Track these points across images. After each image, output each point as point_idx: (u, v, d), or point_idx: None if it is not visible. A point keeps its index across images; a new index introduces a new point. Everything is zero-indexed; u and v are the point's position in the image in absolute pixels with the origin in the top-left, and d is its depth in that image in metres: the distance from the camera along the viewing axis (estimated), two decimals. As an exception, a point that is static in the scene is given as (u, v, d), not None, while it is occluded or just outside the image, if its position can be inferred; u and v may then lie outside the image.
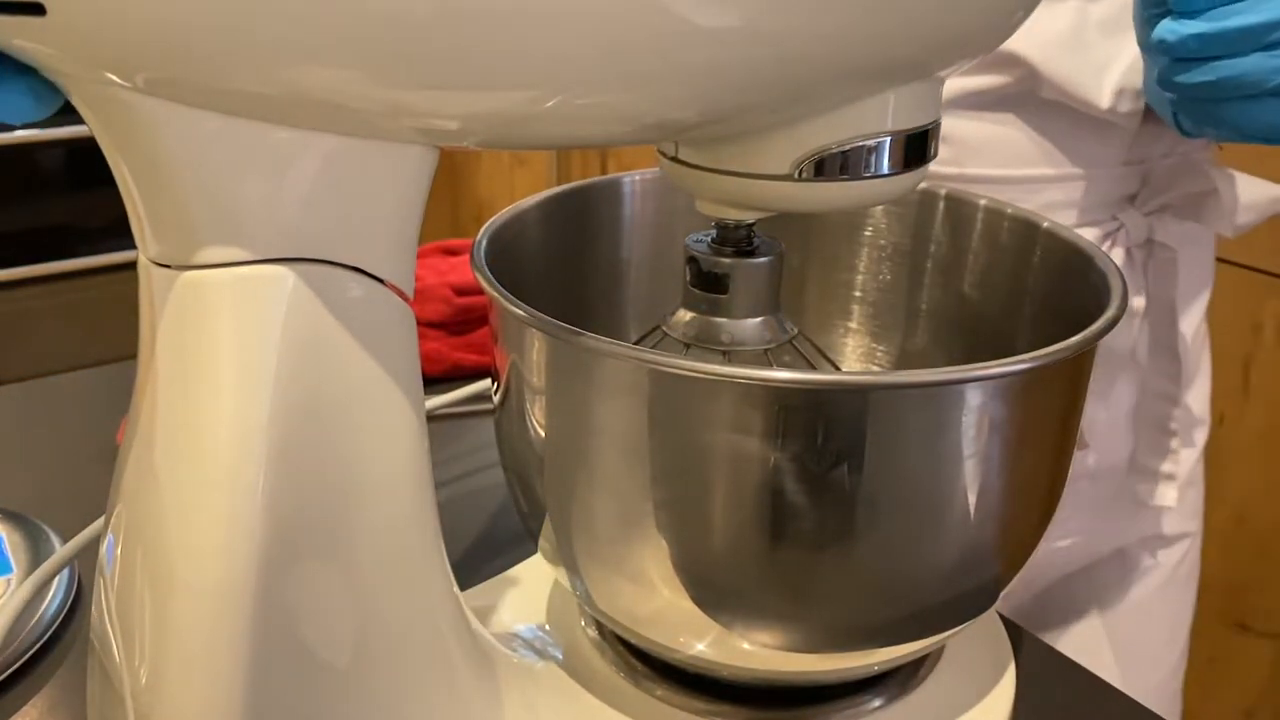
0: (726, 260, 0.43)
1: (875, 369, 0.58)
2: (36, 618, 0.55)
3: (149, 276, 0.32)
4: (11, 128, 1.97)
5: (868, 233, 0.56)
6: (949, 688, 0.48)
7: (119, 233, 2.19)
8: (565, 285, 0.53)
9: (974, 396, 0.37)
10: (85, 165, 2.11)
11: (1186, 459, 0.75)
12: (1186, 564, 0.80)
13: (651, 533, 0.39)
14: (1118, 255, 0.67)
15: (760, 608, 0.40)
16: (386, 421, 0.35)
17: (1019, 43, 0.62)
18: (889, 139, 0.37)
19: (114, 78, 0.28)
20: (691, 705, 0.46)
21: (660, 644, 0.43)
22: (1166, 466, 0.73)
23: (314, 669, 0.35)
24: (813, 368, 0.48)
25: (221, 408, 0.31)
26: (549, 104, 0.30)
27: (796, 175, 0.37)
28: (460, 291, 0.86)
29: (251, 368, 0.31)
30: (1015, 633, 0.54)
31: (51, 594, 0.56)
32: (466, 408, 0.78)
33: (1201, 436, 0.77)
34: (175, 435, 0.32)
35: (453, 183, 2.57)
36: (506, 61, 0.28)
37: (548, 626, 0.51)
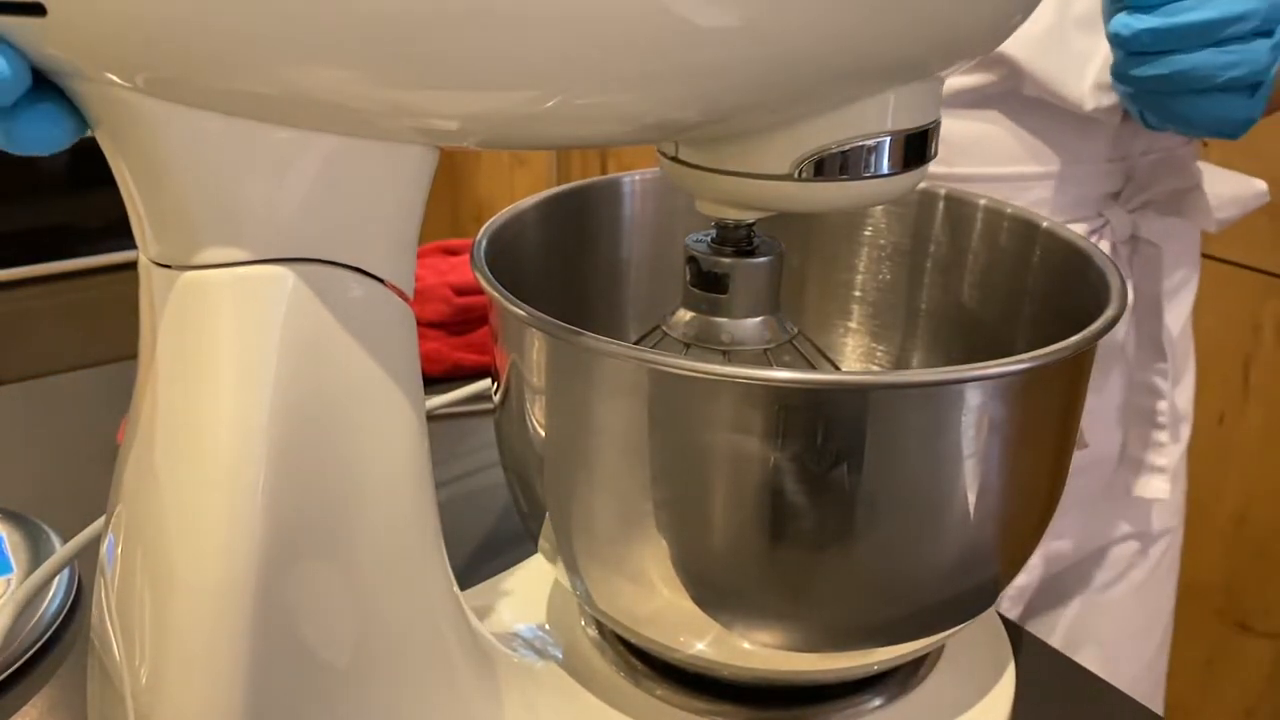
0: (726, 260, 0.43)
1: (875, 369, 0.58)
2: (37, 617, 0.55)
3: (149, 276, 0.32)
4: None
5: (867, 233, 0.56)
6: (949, 687, 0.48)
7: (119, 233, 2.19)
8: (565, 285, 0.53)
9: (974, 396, 0.37)
10: (85, 166, 2.11)
11: (1173, 453, 0.75)
12: (1168, 559, 0.82)
13: (651, 532, 0.39)
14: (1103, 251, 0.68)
15: (760, 607, 0.40)
16: (387, 421, 0.35)
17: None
18: (889, 139, 0.37)
19: (114, 78, 0.28)
20: (691, 705, 0.46)
21: (660, 644, 0.43)
22: (1156, 459, 0.74)
23: (314, 668, 0.35)
24: (813, 367, 0.48)
25: (222, 407, 0.31)
26: (549, 104, 0.30)
27: (796, 175, 0.37)
28: (460, 291, 0.86)
29: (252, 367, 0.31)
30: (1015, 633, 0.54)
31: (51, 594, 0.56)
32: (466, 408, 0.78)
33: (1185, 432, 0.78)
34: (176, 434, 0.32)
35: (453, 183, 2.57)
36: (506, 62, 0.28)
37: (548, 626, 0.51)
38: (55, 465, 0.73)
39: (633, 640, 0.46)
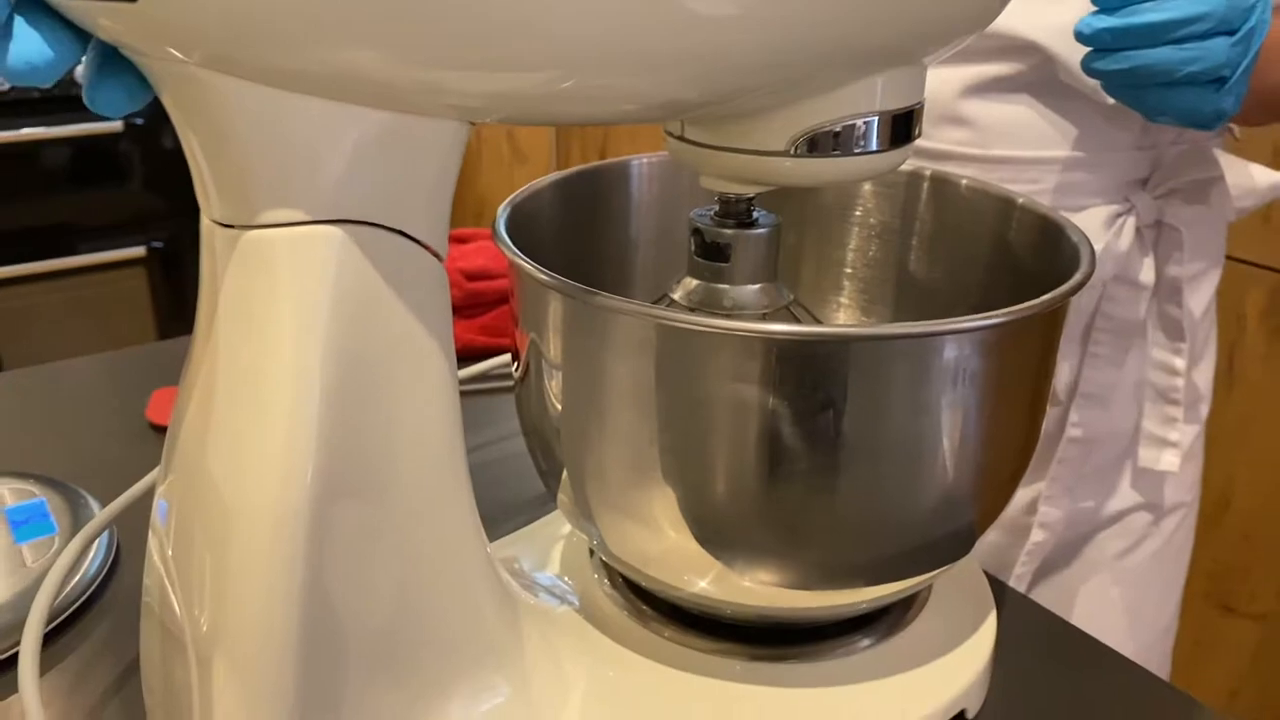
0: (728, 231, 0.46)
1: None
2: (80, 574, 0.58)
3: (212, 236, 0.36)
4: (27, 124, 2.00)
5: (858, 212, 0.60)
6: (934, 630, 0.52)
7: (122, 230, 2.22)
8: (577, 260, 0.56)
9: (950, 349, 0.40)
10: (90, 163, 2.14)
11: (1188, 431, 0.79)
12: (1181, 533, 0.85)
13: (659, 478, 0.43)
14: (1128, 233, 0.71)
15: (758, 546, 0.44)
16: (423, 369, 0.38)
17: (1034, 31, 0.67)
18: (877, 118, 0.40)
19: (189, 58, 0.32)
20: (696, 644, 0.49)
21: (667, 584, 0.47)
22: (1169, 434, 0.78)
23: (359, 596, 0.38)
24: (807, 333, 0.51)
25: (282, 351, 0.35)
26: (565, 84, 0.34)
27: (793, 151, 0.40)
28: (471, 276, 0.89)
29: (307, 316, 0.35)
30: (998, 587, 0.57)
31: (93, 553, 0.60)
32: (478, 385, 0.81)
33: (1204, 411, 0.81)
34: (238, 378, 0.36)
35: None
36: (527, 45, 0.32)
37: (565, 577, 0.54)
38: (87, 439, 0.76)
39: (642, 582, 0.50)
